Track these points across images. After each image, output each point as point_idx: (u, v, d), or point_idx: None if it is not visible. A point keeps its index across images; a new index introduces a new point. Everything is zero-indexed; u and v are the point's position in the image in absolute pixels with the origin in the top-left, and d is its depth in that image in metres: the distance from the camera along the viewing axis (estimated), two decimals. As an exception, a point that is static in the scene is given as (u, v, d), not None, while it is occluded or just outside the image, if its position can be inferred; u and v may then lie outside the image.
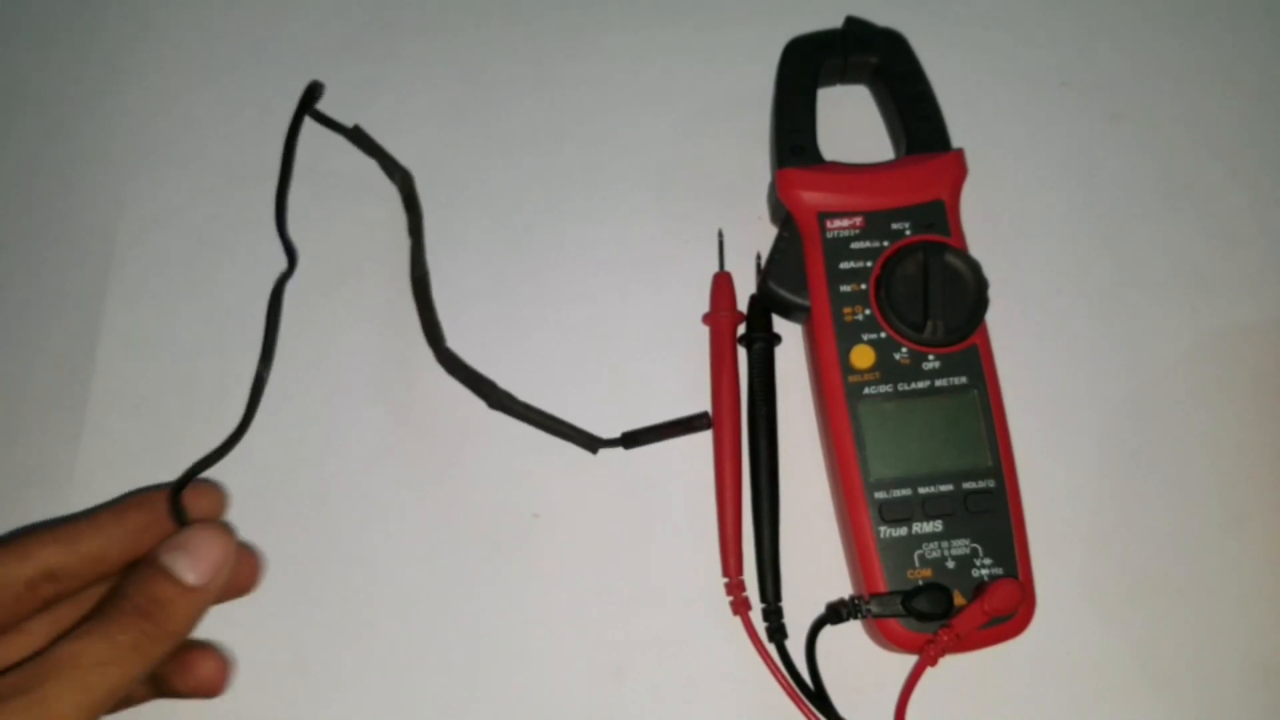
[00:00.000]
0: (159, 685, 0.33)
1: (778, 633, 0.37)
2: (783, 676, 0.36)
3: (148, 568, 0.29)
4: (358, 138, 0.43)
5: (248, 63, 0.46)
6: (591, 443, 0.39)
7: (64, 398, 0.41)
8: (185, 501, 0.33)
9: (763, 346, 0.40)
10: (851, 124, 0.43)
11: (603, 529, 0.39)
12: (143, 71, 0.46)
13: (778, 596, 0.37)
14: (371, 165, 0.44)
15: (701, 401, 0.40)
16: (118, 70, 0.46)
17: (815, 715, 0.36)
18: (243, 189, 0.44)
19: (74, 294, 0.42)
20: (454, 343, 0.41)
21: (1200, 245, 0.42)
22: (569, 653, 0.38)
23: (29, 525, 0.39)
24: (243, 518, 0.39)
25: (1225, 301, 0.42)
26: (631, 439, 0.39)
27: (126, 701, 0.31)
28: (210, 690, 0.33)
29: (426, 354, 0.41)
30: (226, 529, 0.31)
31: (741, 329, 0.40)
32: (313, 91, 0.43)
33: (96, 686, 0.26)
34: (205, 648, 0.33)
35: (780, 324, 0.40)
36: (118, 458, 0.40)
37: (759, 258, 0.41)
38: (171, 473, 0.40)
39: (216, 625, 0.38)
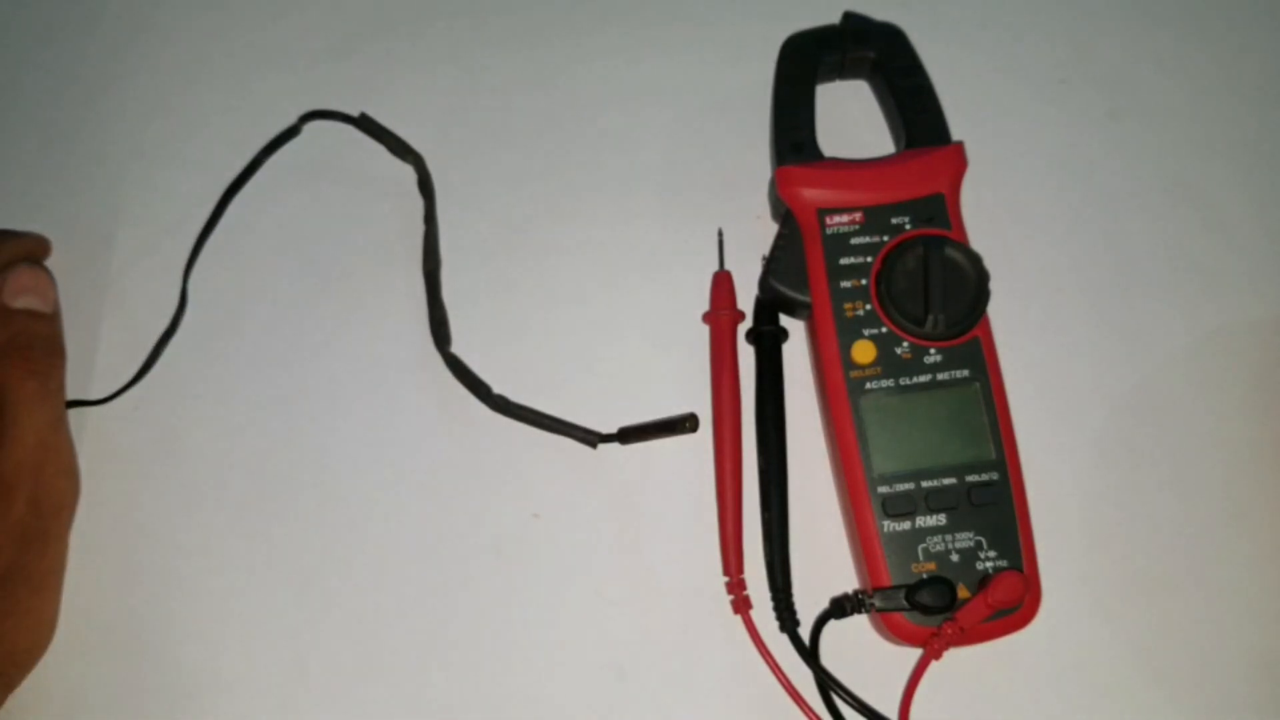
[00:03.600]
0: None
1: (790, 619, 0.36)
2: (783, 676, 0.36)
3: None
4: (365, 125, 0.43)
5: (247, 63, 0.46)
6: (589, 438, 0.39)
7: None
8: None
9: (772, 329, 0.39)
10: (851, 119, 0.43)
11: (603, 529, 0.39)
12: (140, 72, 0.46)
13: (788, 583, 0.37)
14: (375, 163, 0.44)
15: (702, 400, 0.40)
16: (116, 71, 0.46)
17: (814, 715, 0.35)
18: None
19: (74, 294, 0.42)
20: (453, 341, 0.41)
21: (1199, 240, 0.42)
22: (569, 652, 0.38)
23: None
24: (243, 515, 0.40)
25: (1225, 296, 0.41)
26: (625, 435, 0.39)
27: None
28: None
29: (431, 354, 0.41)
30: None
31: (744, 327, 0.40)
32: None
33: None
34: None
35: (783, 320, 0.40)
36: (118, 458, 0.40)
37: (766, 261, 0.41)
38: (170, 470, 0.40)
39: (218, 622, 0.38)
